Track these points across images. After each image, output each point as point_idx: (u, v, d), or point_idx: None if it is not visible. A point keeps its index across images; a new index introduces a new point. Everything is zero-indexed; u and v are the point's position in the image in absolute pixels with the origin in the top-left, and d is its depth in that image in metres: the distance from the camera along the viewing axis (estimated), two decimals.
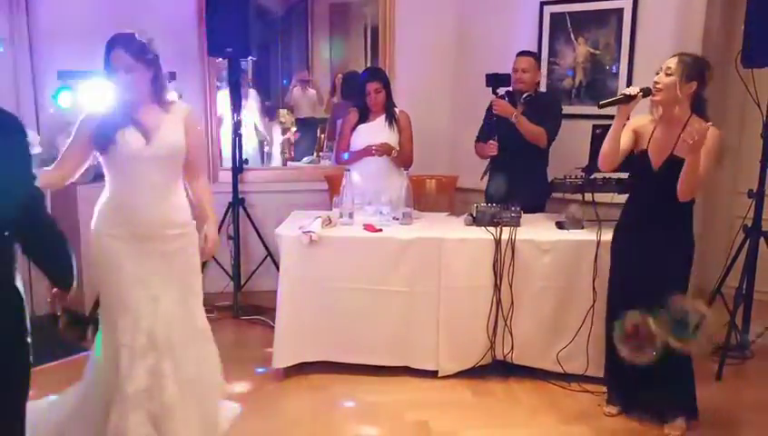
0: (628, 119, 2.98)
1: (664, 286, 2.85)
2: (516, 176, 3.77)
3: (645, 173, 2.95)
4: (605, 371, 3.29)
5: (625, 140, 2.97)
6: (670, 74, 2.83)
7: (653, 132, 2.95)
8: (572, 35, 4.33)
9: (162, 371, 2.54)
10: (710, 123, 2.82)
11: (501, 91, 3.94)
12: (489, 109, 4.05)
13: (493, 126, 3.90)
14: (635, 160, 3.00)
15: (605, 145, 2.99)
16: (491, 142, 3.86)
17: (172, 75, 4.34)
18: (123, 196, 2.58)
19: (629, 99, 2.89)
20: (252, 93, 6.11)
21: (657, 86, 2.86)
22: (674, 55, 2.89)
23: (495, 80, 3.86)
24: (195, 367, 2.63)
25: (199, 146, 2.76)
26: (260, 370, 3.59)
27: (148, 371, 2.52)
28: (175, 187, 2.64)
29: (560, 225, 3.60)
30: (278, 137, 6.55)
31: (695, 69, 2.85)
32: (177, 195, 2.65)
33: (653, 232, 2.94)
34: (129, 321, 2.53)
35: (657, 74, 2.88)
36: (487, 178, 4.08)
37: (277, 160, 6.39)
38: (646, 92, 2.90)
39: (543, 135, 3.87)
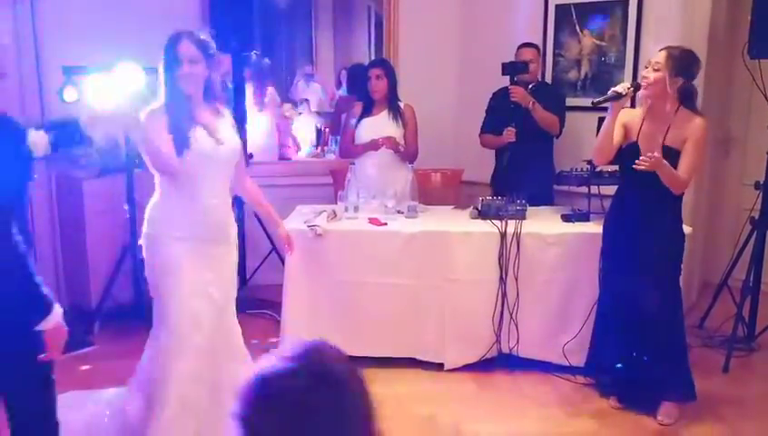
0: None
1: (655, 277, 2.93)
2: (528, 166, 3.76)
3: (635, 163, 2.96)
4: (588, 362, 3.31)
5: (615, 134, 3.01)
6: (658, 70, 2.85)
7: (642, 124, 2.97)
8: (577, 27, 4.31)
9: (202, 375, 2.53)
10: (698, 116, 2.89)
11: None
12: (494, 100, 4.05)
13: (506, 114, 3.87)
14: (624, 152, 3.03)
15: (599, 140, 3.03)
16: (509, 128, 3.83)
17: None
18: (190, 199, 2.53)
19: (620, 96, 2.91)
20: (272, 90, 6.18)
21: (646, 81, 2.88)
22: (662, 49, 2.90)
23: (512, 68, 3.86)
24: (230, 382, 2.52)
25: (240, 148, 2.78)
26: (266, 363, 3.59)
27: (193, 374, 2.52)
28: (228, 190, 2.68)
29: (566, 218, 3.59)
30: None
31: (683, 64, 2.87)
32: (229, 198, 2.69)
33: (642, 223, 2.96)
34: (187, 321, 2.51)
35: (646, 68, 2.91)
36: (494, 168, 4.08)
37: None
38: (636, 87, 2.95)
39: (557, 123, 3.92)
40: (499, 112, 3.98)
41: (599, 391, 3.26)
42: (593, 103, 3.03)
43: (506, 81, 4.09)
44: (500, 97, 4.02)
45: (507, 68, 3.85)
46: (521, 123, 3.80)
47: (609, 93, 2.95)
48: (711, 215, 4.74)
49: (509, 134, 3.83)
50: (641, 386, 3.07)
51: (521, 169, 3.76)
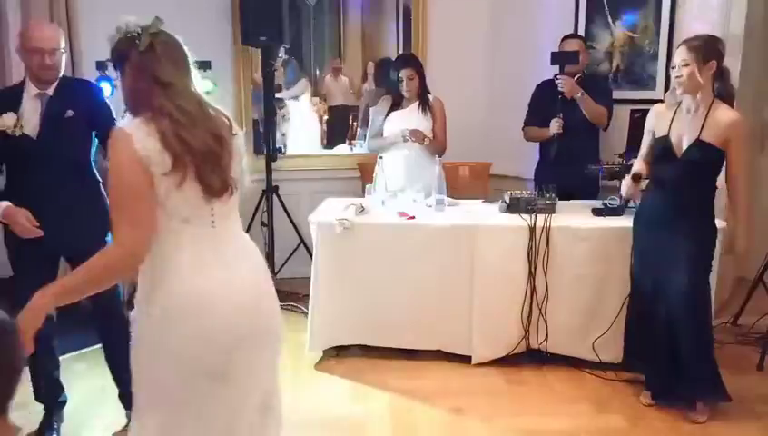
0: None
1: (687, 273, 2.87)
2: (574, 159, 3.72)
3: (668, 158, 2.92)
4: (625, 357, 3.30)
5: (646, 141, 3.04)
6: (686, 65, 2.79)
7: (673, 118, 2.92)
8: (609, 18, 4.24)
9: None
10: (734, 113, 2.83)
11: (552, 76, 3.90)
12: (539, 92, 4.02)
13: (551, 106, 3.84)
14: (656, 146, 2.99)
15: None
16: (556, 119, 3.79)
17: (207, 64, 4.38)
18: None
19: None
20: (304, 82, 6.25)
21: (680, 79, 2.82)
22: (681, 45, 2.86)
23: (561, 58, 3.81)
24: None
25: None
26: (293, 355, 3.62)
27: None
28: None
29: (597, 212, 3.54)
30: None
31: (708, 48, 2.81)
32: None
33: (674, 218, 2.91)
34: None
35: (673, 68, 2.86)
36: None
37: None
38: (636, 177, 3.01)
39: (605, 115, 3.86)
40: (544, 104, 3.93)
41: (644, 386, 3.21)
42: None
43: (540, 73, 4.05)
44: (545, 89, 3.98)
45: (557, 58, 3.80)
46: (569, 115, 3.76)
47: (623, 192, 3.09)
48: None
49: (555, 126, 3.78)
50: (674, 383, 3.02)
51: (567, 162, 3.72)
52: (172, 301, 1.72)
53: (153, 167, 1.67)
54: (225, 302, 1.75)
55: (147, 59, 1.76)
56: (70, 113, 2.66)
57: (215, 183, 1.75)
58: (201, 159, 1.71)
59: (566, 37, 3.97)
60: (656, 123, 2.99)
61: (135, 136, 1.68)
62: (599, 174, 3.76)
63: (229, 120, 1.87)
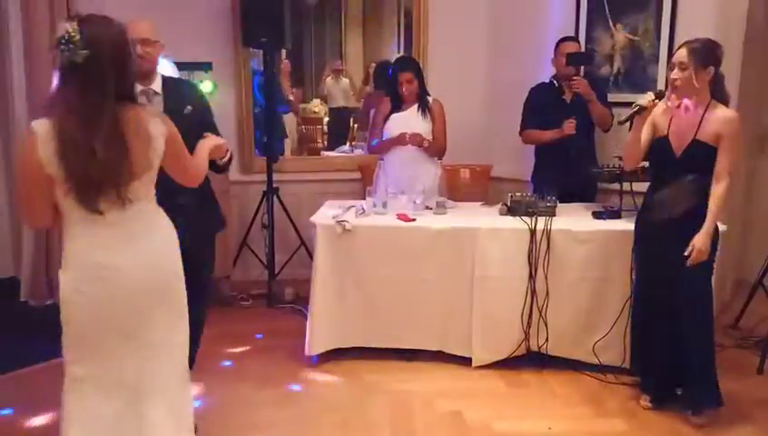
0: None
1: (688, 274, 2.86)
2: (573, 162, 3.74)
3: (667, 159, 2.92)
4: (631, 361, 3.28)
5: (644, 133, 2.99)
6: (684, 68, 2.80)
7: (671, 118, 2.93)
8: (610, 21, 4.24)
9: None
10: (729, 110, 2.85)
11: (548, 79, 3.89)
12: (536, 95, 4.02)
13: (551, 109, 3.85)
14: (655, 147, 2.98)
15: (627, 149, 3.04)
16: (570, 121, 3.78)
17: (208, 65, 4.39)
18: None
19: (643, 109, 2.90)
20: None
21: (676, 83, 2.84)
22: (681, 46, 2.86)
23: (578, 59, 3.81)
24: None
25: None
26: (293, 357, 3.62)
27: None
28: None
29: (597, 215, 3.55)
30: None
31: (707, 53, 2.82)
32: None
33: (674, 220, 2.90)
34: None
35: (672, 69, 2.86)
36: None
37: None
38: (660, 95, 2.92)
39: (609, 118, 3.87)
40: (543, 106, 3.94)
41: (641, 386, 3.20)
42: (619, 122, 3.06)
43: (541, 76, 4.05)
44: (543, 91, 3.98)
45: (574, 59, 3.79)
46: (578, 117, 3.77)
47: (633, 107, 2.92)
48: (746, 212, 4.65)
49: (570, 127, 3.78)
50: (674, 387, 3.02)
51: (567, 164, 3.72)
52: (67, 274, 1.96)
53: (51, 170, 1.85)
54: (105, 282, 1.95)
55: (63, 76, 1.87)
56: (189, 108, 2.67)
57: (95, 204, 1.91)
58: (81, 184, 1.87)
59: (564, 40, 3.96)
60: (655, 123, 2.99)
61: (41, 138, 1.84)
62: (600, 177, 3.76)
63: (151, 142, 1.99)
